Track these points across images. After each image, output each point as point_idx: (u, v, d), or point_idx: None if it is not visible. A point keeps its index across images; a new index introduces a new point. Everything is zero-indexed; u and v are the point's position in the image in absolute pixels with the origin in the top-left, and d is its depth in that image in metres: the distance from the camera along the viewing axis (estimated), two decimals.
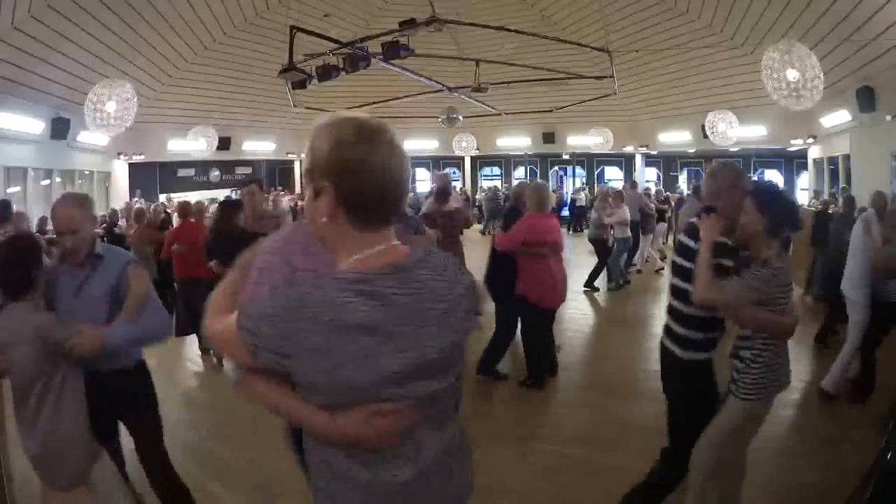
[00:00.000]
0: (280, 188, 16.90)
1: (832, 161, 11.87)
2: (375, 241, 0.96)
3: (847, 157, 10.62)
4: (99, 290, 2.01)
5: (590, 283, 7.62)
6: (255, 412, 3.76)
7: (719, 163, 2.31)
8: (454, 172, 20.27)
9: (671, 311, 2.22)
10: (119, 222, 8.01)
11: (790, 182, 16.02)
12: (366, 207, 0.95)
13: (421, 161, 20.04)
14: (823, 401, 3.77)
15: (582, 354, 5.22)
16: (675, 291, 2.18)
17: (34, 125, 9.39)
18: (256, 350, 0.90)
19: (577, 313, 6.62)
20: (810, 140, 12.24)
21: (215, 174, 16.75)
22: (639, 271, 8.94)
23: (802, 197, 12.98)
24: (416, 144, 18.01)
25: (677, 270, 2.18)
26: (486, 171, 20.45)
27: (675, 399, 2.25)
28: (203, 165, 15.91)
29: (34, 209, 8.95)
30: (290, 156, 17.43)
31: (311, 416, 0.93)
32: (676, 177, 17.99)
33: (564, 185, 19.33)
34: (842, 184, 10.80)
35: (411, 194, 8.51)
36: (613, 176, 19.04)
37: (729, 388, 2.12)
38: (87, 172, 12.27)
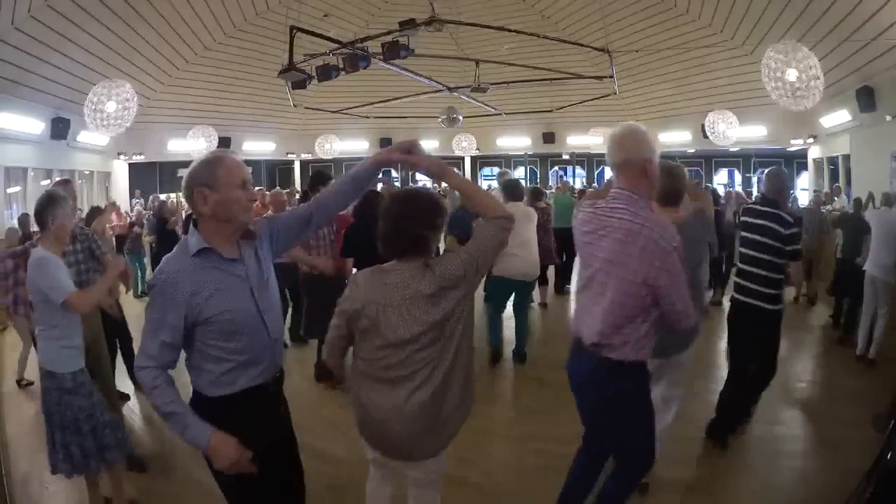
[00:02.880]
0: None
1: (832, 161, 11.87)
2: None
3: (847, 157, 10.63)
4: None
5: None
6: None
7: (777, 168, 3.24)
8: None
9: (759, 280, 3.00)
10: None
11: (790, 182, 16.01)
12: None
13: None
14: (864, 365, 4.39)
15: None
16: (763, 263, 3.00)
17: (34, 125, 9.39)
18: None
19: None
20: (810, 140, 12.24)
21: None
22: None
23: (803, 197, 12.97)
24: None
25: (764, 248, 2.99)
26: (486, 171, 20.45)
27: (773, 336, 3.11)
28: None
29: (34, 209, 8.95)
30: (290, 156, 17.42)
31: None
32: None
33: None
34: (841, 184, 10.82)
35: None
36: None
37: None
38: (87, 172, 12.27)
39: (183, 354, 1.58)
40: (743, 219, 3.23)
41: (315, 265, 3.96)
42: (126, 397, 3.93)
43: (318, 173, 4.55)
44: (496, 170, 20.16)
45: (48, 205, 2.46)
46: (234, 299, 1.51)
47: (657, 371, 2.44)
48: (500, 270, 4.32)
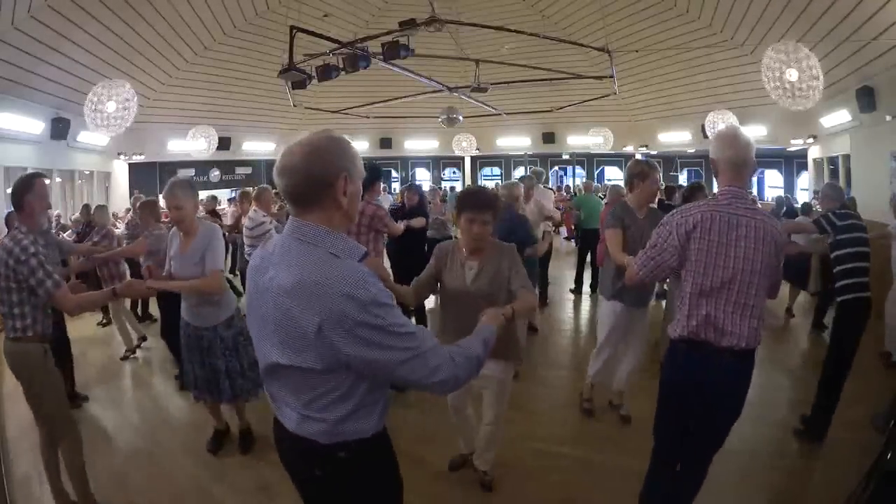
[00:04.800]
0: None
1: (832, 161, 11.87)
2: None
3: (847, 157, 10.62)
4: None
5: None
6: (254, 414, 3.77)
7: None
8: (454, 172, 20.30)
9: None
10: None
11: (790, 182, 16.03)
12: None
13: (421, 161, 20.06)
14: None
15: (582, 354, 5.22)
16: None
17: (34, 125, 9.38)
18: None
19: (577, 314, 6.63)
20: (810, 140, 12.23)
21: (215, 174, 16.76)
22: None
23: (803, 197, 12.97)
24: (416, 144, 18.02)
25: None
26: (486, 171, 20.46)
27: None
28: (203, 165, 15.91)
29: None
30: None
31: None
32: (676, 177, 17.99)
33: (564, 185, 19.34)
34: (841, 184, 10.81)
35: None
36: (613, 176, 19.05)
37: None
38: (87, 172, 12.27)
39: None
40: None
41: None
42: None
43: (373, 168, 4.85)
44: (496, 170, 20.22)
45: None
46: None
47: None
48: None
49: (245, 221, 5.45)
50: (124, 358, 5.01)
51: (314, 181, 1.19)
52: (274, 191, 6.26)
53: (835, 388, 3.31)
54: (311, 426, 1.26)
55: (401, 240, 4.80)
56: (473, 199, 2.43)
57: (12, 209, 2.53)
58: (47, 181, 2.69)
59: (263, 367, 1.29)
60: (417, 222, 5.18)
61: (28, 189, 2.49)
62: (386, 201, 9.29)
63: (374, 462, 1.36)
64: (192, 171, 15.95)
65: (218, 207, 9.66)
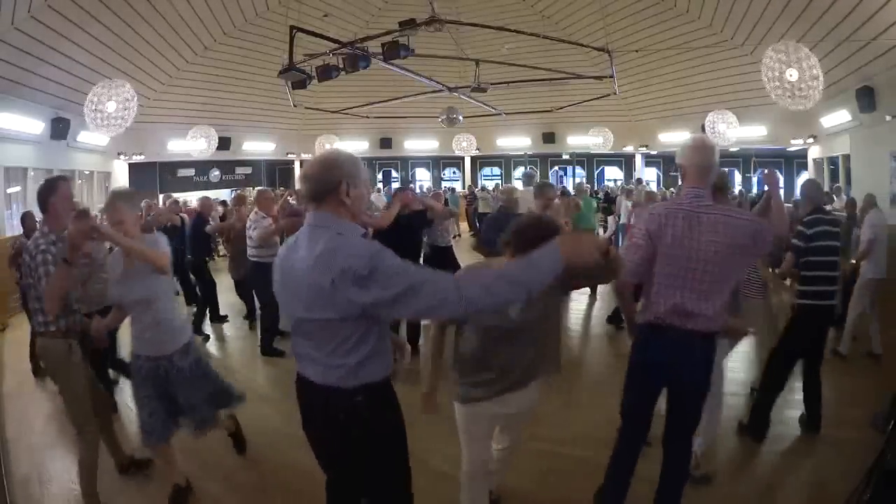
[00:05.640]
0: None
1: (832, 161, 11.87)
2: None
3: (847, 157, 10.62)
4: None
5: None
6: (254, 414, 3.75)
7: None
8: (454, 172, 20.29)
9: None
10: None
11: (790, 182, 16.02)
12: None
13: (421, 161, 20.06)
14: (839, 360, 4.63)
15: (581, 354, 5.22)
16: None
17: (34, 125, 9.38)
18: None
19: (577, 314, 6.63)
20: (810, 140, 12.24)
21: (215, 174, 16.76)
22: None
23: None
24: (416, 144, 18.02)
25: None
26: (486, 171, 20.46)
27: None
28: (203, 165, 15.92)
29: (34, 209, 8.95)
30: (290, 156, 17.43)
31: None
32: (676, 177, 17.97)
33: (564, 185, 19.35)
34: (841, 184, 10.81)
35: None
36: (613, 176, 19.05)
37: None
38: (87, 172, 12.27)
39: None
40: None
41: None
42: None
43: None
44: (496, 170, 20.22)
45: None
46: None
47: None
48: None
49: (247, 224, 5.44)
50: None
51: (322, 185, 1.58)
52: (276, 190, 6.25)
53: (773, 388, 3.35)
54: (334, 373, 1.57)
55: (388, 239, 4.57)
56: (539, 233, 1.84)
57: (28, 210, 2.63)
58: (71, 183, 2.76)
59: (293, 326, 1.63)
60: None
61: (52, 192, 2.59)
62: (380, 202, 9.21)
63: (384, 406, 1.68)
64: (192, 171, 15.96)
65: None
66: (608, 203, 12.15)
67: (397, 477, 1.76)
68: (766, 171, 2.88)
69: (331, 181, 1.57)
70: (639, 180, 14.17)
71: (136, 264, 2.52)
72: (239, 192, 6.43)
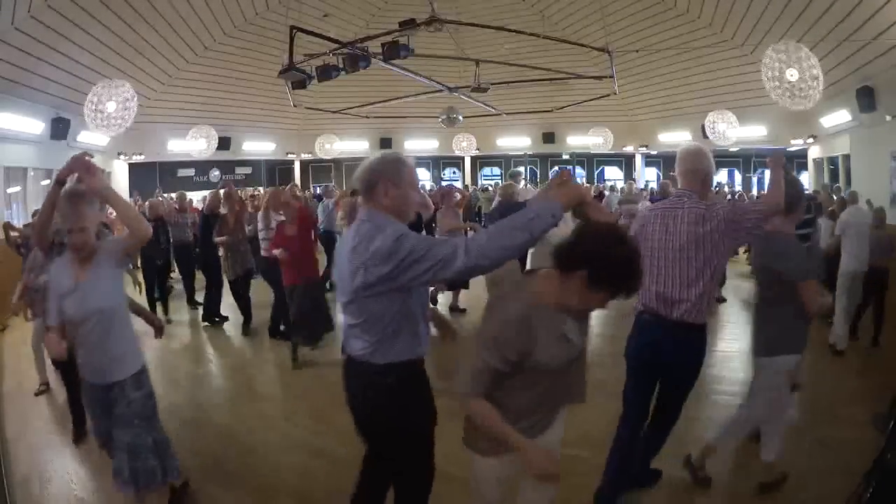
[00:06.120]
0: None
1: (832, 161, 11.87)
2: None
3: (847, 157, 10.62)
4: None
5: None
6: (255, 413, 3.75)
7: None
8: (454, 172, 20.28)
9: None
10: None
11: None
12: None
13: (421, 161, 20.05)
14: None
15: None
16: None
17: (34, 125, 9.38)
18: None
19: None
20: (810, 140, 12.24)
21: (215, 174, 16.75)
22: None
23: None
24: (416, 144, 18.02)
25: None
26: (486, 171, 20.46)
27: None
28: (203, 165, 15.91)
29: (34, 209, 8.95)
30: (289, 156, 17.44)
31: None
32: (676, 177, 17.98)
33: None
34: (841, 184, 10.81)
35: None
36: (613, 176, 19.05)
37: None
38: None
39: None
40: None
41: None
42: None
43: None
44: (496, 170, 20.22)
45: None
46: None
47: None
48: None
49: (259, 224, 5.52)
50: (38, 393, 4.26)
51: (364, 185, 1.81)
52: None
53: None
54: (369, 348, 1.79)
55: None
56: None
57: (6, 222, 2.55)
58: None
59: (341, 306, 1.86)
60: None
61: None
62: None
63: (411, 384, 1.86)
64: (191, 171, 15.96)
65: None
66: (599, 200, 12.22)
67: (417, 453, 1.94)
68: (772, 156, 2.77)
69: (371, 181, 1.79)
70: (631, 180, 14.35)
71: (91, 273, 2.22)
72: (229, 188, 6.12)
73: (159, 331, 2.92)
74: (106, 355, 2.26)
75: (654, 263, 2.35)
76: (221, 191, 6.06)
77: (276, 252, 4.60)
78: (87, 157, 2.19)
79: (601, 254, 1.49)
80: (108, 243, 2.36)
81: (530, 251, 3.71)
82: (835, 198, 7.34)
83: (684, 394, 2.45)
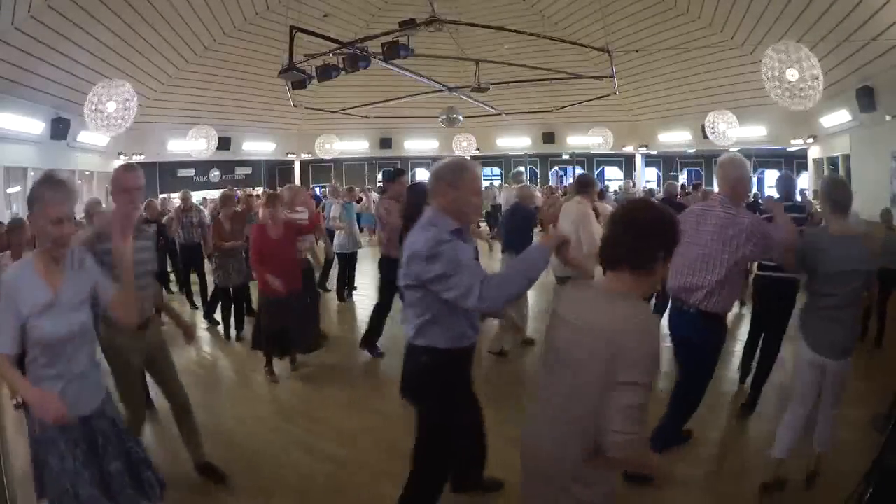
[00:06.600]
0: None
1: (832, 161, 11.87)
2: None
3: (847, 157, 10.62)
4: None
5: None
6: (254, 413, 3.75)
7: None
8: None
9: None
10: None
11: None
12: None
13: (421, 161, 20.06)
14: None
15: None
16: None
17: (34, 125, 9.38)
18: None
19: None
20: (810, 140, 12.24)
21: (215, 174, 16.76)
22: None
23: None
24: (416, 144, 18.02)
25: None
26: (487, 171, 20.45)
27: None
28: (203, 165, 15.92)
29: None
30: (290, 156, 17.43)
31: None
32: (676, 177, 17.99)
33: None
34: None
35: None
36: (613, 176, 19.04)
37: None
38: (87, 172, 12.27)
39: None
40: None
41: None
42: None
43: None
44: (496, 170, 20.22)
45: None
46: None
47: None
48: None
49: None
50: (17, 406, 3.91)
51: (433, 186, 2.09)
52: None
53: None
54: (411, 330, 2.09)
55: None
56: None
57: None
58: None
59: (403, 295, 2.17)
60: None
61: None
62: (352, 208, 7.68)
63: (446, 371, 2.11)
64: (192, 171, 15.96)
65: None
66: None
67: (437, 435, 2.17)
68: (768, 199, 3.41)
69: (433, 183, 2.09)
70: (629, 180, 14.44)
71: (64, 285, 1.85)
72: (227, 190, 5.90)
73: (190, 336, 2.99)
74: (83, 382, 1.90)
75: (680, 255, 2.60)
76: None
77: (269, 280, 4.04)
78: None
79: (663, 229, 1.46)
80: (78, 253, 1.99)
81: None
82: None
83: (694, 376, 2.79)
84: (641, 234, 1.44)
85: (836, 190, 2.63)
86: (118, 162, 13.31)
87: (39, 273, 1.82)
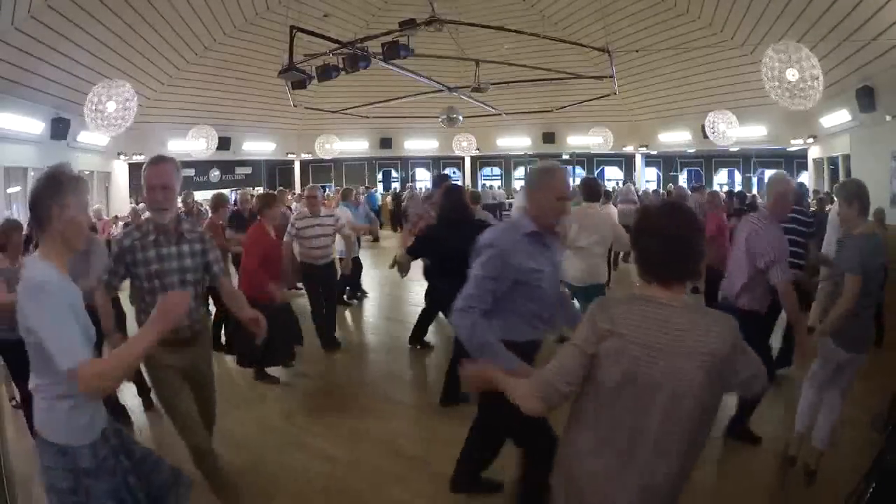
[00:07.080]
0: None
1: (832, 161, 11.87)
2: None
3: (847, 157, 10.62)
4: None
5: None
6: (254, 414, 3.75)
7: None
8: (454, 172, 20.28)
9: None
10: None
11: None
12: None
13: (421, 161, 20.07)
14: None
15: None
16: None
17: (34, 125, 9.38)
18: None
19: None
20: (810, 140, 12.24)
21: (215, 174, 16.75)
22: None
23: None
24: (416, 144, 18.02)
25: None
26: (486, 171, 20.46)
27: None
28: (203, 165, 15.91)
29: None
30: (290, 156, 17.43)
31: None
32: (676, 177, 18.00)
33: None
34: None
35: None
36: (613, 176, 19.05)
37: None
38: (87, 172, 12.25)
39: None
40: None
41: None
42: None
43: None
44: (496, 170, 20.24)
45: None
46: (548, 274, 2.12)
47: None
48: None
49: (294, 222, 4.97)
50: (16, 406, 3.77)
51: (525, 191, 2.33)
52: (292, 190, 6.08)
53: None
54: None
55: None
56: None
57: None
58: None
59: None
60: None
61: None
62: (344, 213, 6.44)
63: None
64: (192, 171, 15.95)
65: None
66: None
67: (492, 422, 2.28)
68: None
69: (525, 187, 2.36)
70: (629, 182, 14.40)
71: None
72: (218, 193, 5.60)
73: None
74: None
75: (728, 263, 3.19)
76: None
77: (271, 289, 3.88)
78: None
79: (699, 234, 1.38)
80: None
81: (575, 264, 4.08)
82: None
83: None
84: (701, 245, 1.38)
85: (864, 191, 2.86)
86: (118, 162, 13.33)
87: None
